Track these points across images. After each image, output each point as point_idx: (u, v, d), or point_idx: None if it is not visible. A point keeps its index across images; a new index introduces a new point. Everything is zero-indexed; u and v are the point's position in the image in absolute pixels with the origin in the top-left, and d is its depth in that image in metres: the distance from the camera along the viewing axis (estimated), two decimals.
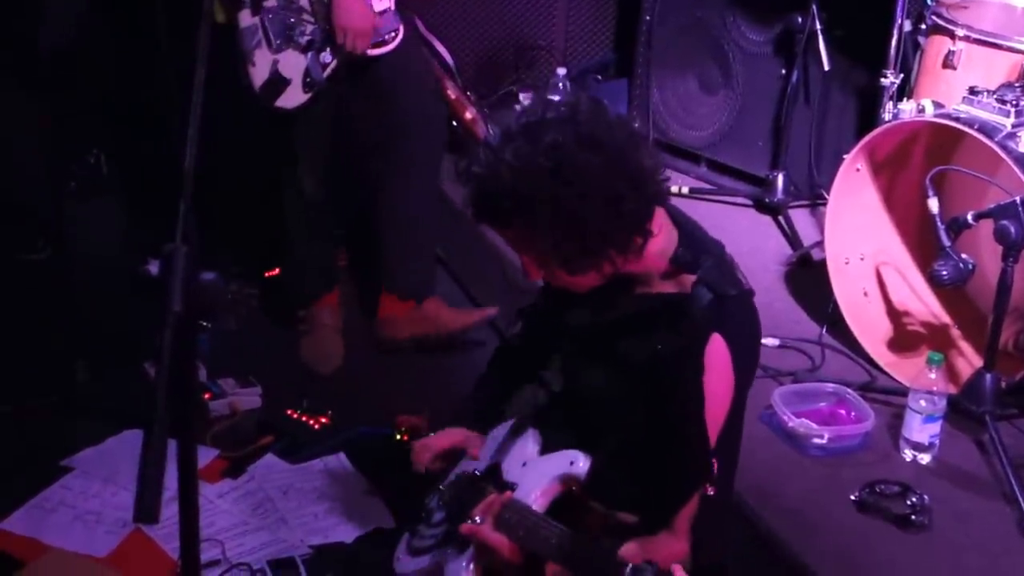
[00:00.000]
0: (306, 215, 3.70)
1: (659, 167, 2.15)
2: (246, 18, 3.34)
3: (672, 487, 2.18)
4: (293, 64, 3.39)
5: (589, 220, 2.04)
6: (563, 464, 2.30)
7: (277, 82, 3.37)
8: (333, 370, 3.66)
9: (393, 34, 3.50)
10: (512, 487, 2.34)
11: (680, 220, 2.26)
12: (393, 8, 3.48)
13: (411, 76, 3.68)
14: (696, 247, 2.22)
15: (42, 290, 3.92)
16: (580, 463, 2.28)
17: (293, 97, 3.41)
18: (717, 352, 2.11)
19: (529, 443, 2.41)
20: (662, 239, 2.18)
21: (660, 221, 2.17)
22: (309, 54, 3.38)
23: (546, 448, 2.38)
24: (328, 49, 3.41)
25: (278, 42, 3.35)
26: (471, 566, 2.22)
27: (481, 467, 2.50)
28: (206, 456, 3.17)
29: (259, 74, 3.37)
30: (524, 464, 2.37)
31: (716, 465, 2.13)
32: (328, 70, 3.43)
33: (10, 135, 4.00)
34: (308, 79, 3.39)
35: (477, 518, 2.25)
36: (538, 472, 2.33)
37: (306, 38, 3.38)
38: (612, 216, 2.05)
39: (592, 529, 2.25)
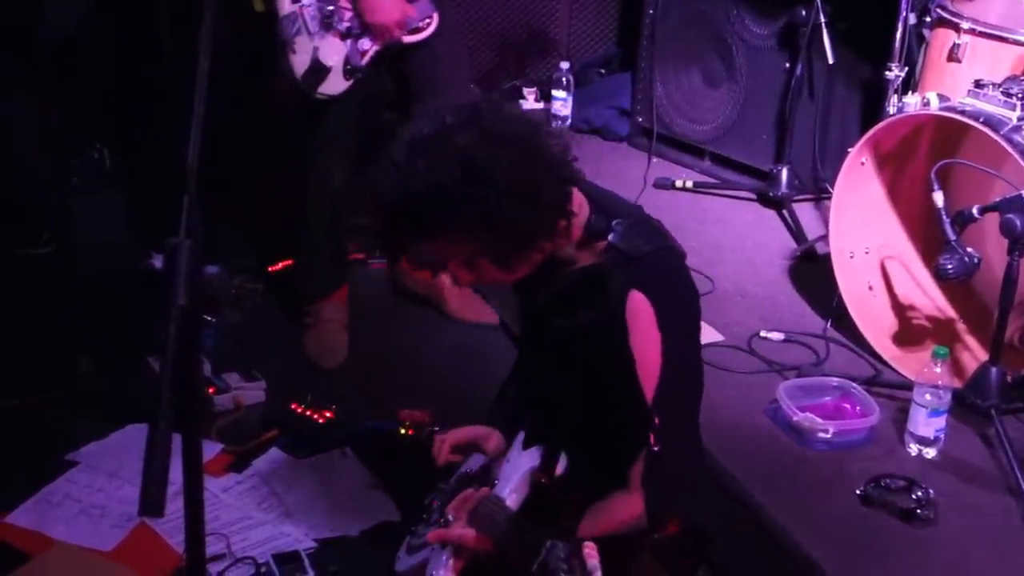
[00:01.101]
0: (331, 207, 3.69)
1: (568, 149, 2.16)
2: (286, 6, 3.34)
3: (615, 449, 2.20)
4: (333, 51, 3.40)
5: (513, 214, 2.04)
6: (532, 459, 2.31)
7: (318, 69, 3.38)
8: (337, 364, 3.66)
9: (428, 20, 3.52)
10: (494, 483, 2.36)
11: (590, 190, 2.25)
12: None
13: (444, 67, 3.67)
14: (609, 213, 2.21)
15: (45, 285, 3.92)
16: (543, 457, 2.30)
17: (335, 84, 3.43)
18: (637, 309, 2.11)
19: (519, 439, 2.42)
20: (580, 214, 2.19)
21: (576, 199, 2.18)
22: (348, 41, 3.40)
23: (527, 443, 2.39)
24: (366, 36, 3.44)
25: (318, 29, 3.36)
26: (450, 561, 2.23)
27: (475, 466, 2.52)
28: (210, 450, 3.16)
29: (300, 62, 3.38)
30: (508, 460, 2.39)
31: (658, 420, 2.10)
32: (367, 57, 3.45)
33: (13, 130, 3.99)
34: (348, 66, 3.41)
35: (450, 516, 2.25)
36: (512, 467, 2.35)
37: (345, 25, 3.39)
38: (534, 206, 2.06)
39: (566, 522, 2.25)
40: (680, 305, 2.20)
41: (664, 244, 2.22)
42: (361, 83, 3.51)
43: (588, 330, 2.20)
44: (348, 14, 3.39)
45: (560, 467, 2.29)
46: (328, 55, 3.39)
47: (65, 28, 3.97)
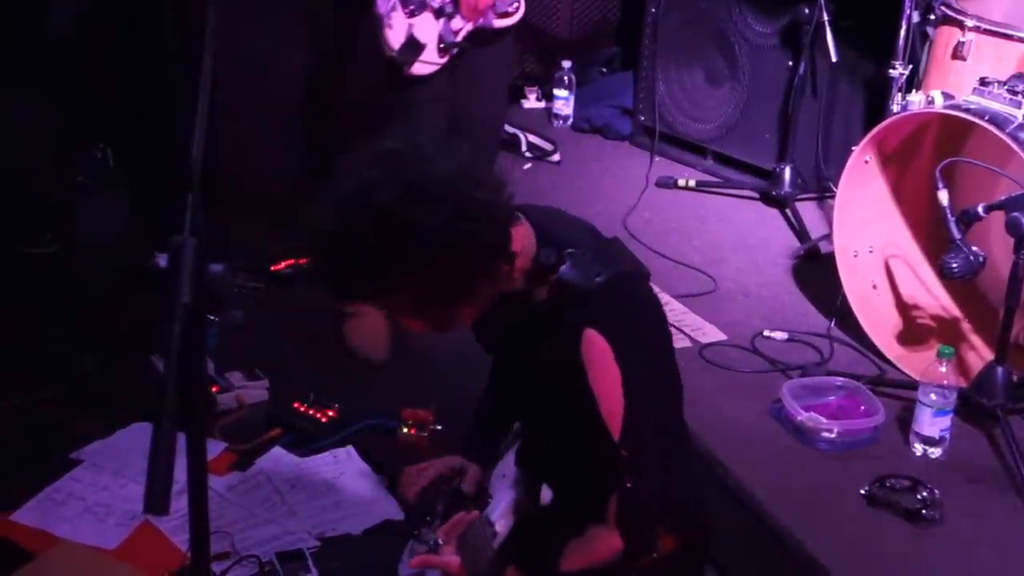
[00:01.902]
0: None
1: (501, 186, 2.05)
2: None
3: (589, 486, 2.15)
4: (427, 28, 3.48)
5: (448, 268, 1.98)
6: (519, 486, 2.31)
7: (414, 45, 3.46)
8: (384, 357, 3.65)
9: (516, 5, 3.61)
10: (488, 500, 2.35)
11: (536, 218, 2.15)
12: None
13: (495, 68, 3.78)
14: (559, 242, 2.12)
15: (50, 283, 3.92)
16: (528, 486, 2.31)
17: (429, 61, 3.50)
18: (594, 348, 2.05)
19: (511, 455, 2.42)
20: (523, 245, 2.10)
21: (518, 236, 2.09)
22: (442, 20, 3.48)
23: (519, 460, 2.39)
24: (459, 15, 3.52)
25: (412, 7, 3.44)
26: None
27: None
28: (214, 449, 3.16)
29: (396, 36, 3.47)
30: (504, 476, 2.38)
31: (626, 455, 2.07)
32: (460, 36, 3.53)
33: (18, 129, 3.99)
34: (442, 44, 3.49)
35: (440, 539, 2.22)
36: (504, 488, 2.35)
37: (438, 3, 3.48)
38: (464, 255, 1.98)
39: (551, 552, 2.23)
40: (638, 334, 2.14)
41: (619, 270, 2.14)
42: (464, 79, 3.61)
43: (546, 370, 2.13)
44: None
45: (544, 496, 2.28)
46: (423, 32, 3.47)
47: (69, 28, 3.98)
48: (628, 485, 2.09)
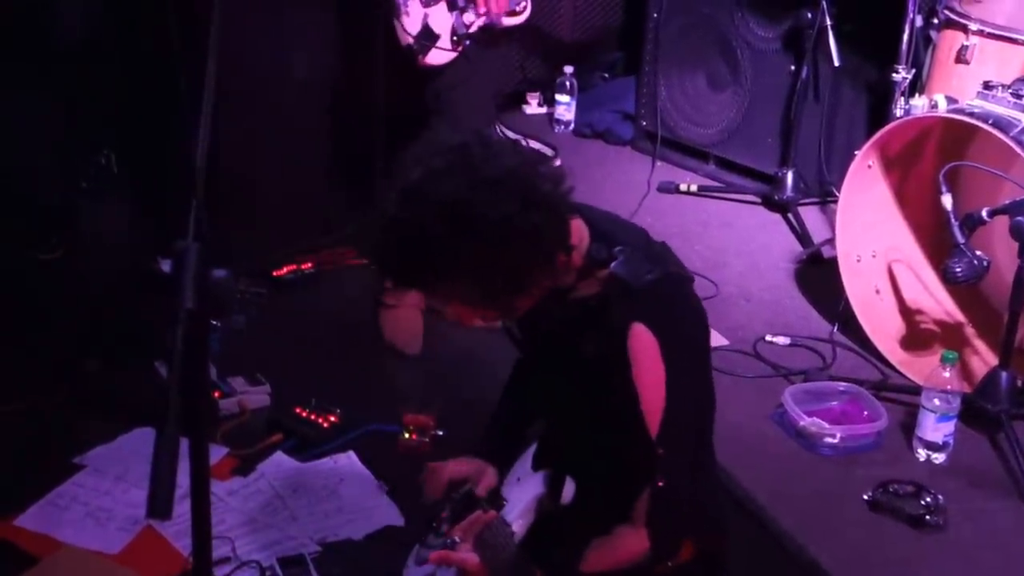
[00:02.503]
0: None
1: (561, 178, 2.09)
2: None
3: (620, 483, 2.16)
4: (441, 20, 3.53)
5: (506, 258, 2.00)
6: (539, 485, 2.30)
7: (429, 34, 3.51)
8: (416, 353, 3.67)
9: (524, 5, 3.64)
10: (503, 503, 2.34)
11: (590, 216, 2.19)
12: None
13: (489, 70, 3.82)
14: (611, 240, 2.15)
15: (53, 288, 3.92)
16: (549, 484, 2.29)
17: (443, 51, 3.55)
18: (640, 342, 2.06)
19: (528, 458, 2.41)
20: (577, 240, 2.13)
21: (575, 229, 2.12)
22: (455, 13, 3.53)
23: (537, 462, 2.38)
24: (471, 9, 3.56)
25: None
26: None
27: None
28: (216, 454, 3.16)
29: (412, 24, 3.52)
30: (519, 480, 2.37)
31: (662, 454, 2.08)
32: (473, 29, 3.57)
33: (23, 134, 3.99)
34: (455, 35, 3.53)
35: (456, 537, 2.22)
36: (521, 490, 2.34)
37: None
38: (528, 247, 2.00)
39: (571, 551, 2.23)
40: (684, 335, 2.16)
41: (668, 271, 2.17)
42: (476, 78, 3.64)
43: (590, 363, 2.15)
44: None
45: (567, 494, 2.27)
46: (437, 23, 3.52)
47: (74, 33, 3.98)
48: (660, 484, 2.09)
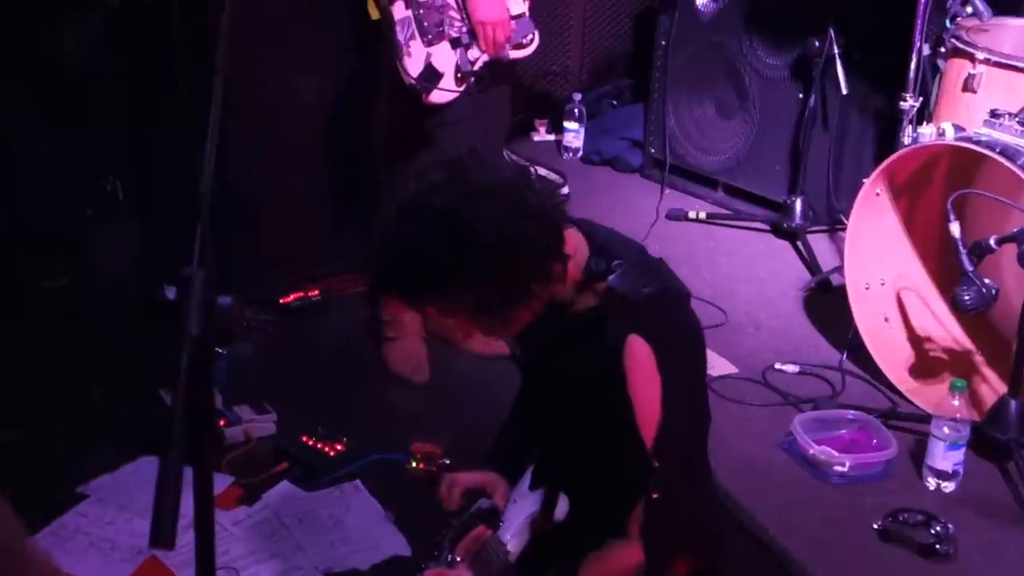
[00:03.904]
0: None
1: (553, 191, 2.16)
2: (400, 10, 3.45)
3: (614, 497, 2.17)
4: (445, 58, 3.51)
5: (502, 266, 2.03)
6: (534, 504, 2.30)
7: (431, 74, 3.49)
8: (424, 379, 3.68)
9: (531, 37, 3.63)
10: (500, 523, 2.34)
11: (589, 230, 2.23)
12: (528, 14, 3.60)
13: (498, 102, 3.79)
14: (609, 254, 2.18)
15: (58, 315, 3.92)
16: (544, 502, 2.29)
17: (448, 88, 3.53)
18: (637, 355, 2.08)
19: (526, 479, 2.41)
20: (575, 252, 2.16)
21: (571, 240, 2.16)
22: (459, 49, 3.51)
23: (534, 482, 2.37)
24: (475, 45, 3.54)
25: (429, 36, 3.47)
26: None
27: (485, 505, 2.49)
28: (221, 483, 3.14)
29: (414, 65, 3.49)
30: (515, 501, 2.37)
31: (658, 466, 2.09)
32: (477, 66, 3.55)
33: (27, 162, 4.00)
34: (459, 73, 3.51)
35: (458, 556, 2.25)
36: (517, 510, 2.34)
37: (455, 33, 3.50)
38: (523, 254, 2.04)
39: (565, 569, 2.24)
40: (681, 349, 2.17)
41: (666, 285, 2.19)
42: (479, 114, 3.62)
43: (586, 375, 2.16)
44: (457, 23, 3.50)
45: (560, 512, 2.27)
46: (440, 61, 3.50)
47: (79, 61, 3.99)
48: (655, 496, 2.10)
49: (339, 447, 3.32)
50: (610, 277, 2.13)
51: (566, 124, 5.34)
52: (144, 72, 4.13)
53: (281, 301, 4.07)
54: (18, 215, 4.03)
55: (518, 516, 2.31)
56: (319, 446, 3.32)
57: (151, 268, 3.98)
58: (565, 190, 5.03)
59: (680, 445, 2.15)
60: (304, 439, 3.34)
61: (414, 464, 3.22)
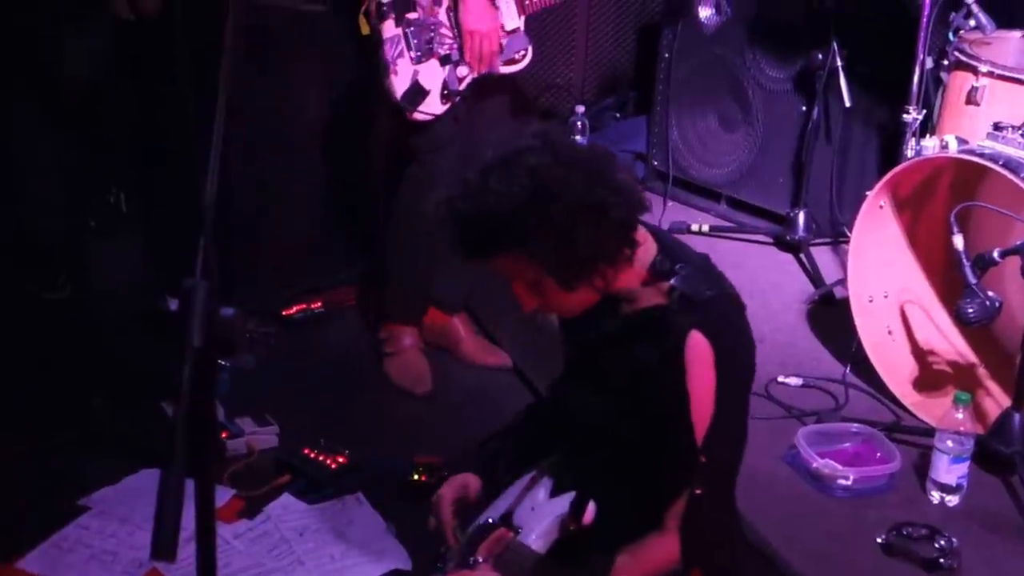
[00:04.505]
0: (428, 237, 3.68)
1: (636, 181, 2.23)
2: (389, 29, 3.50)
3: (658, 486, 2.21)
4: (432, 75, 3.54)
5: (579, 231, 2.09)
6: (561, 506, 2.31)
7: (418, 91, 3.52)
8: (427, 390, 3.67)
9: (523, 52, 3.67)
10: (518, 531, 2.35)
11: (659, 234, 2.30)
12: (523, 30, 3.63)
13: (510, 112, 3.82)
14: (675, 256, 2.25)
15: (61, 327, 3.92)
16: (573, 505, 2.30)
17: (432, 107, 3.56)
18: (697, 349, 2.14)
19: (541, 491, 2.43)
20: (643, 249, 2.23)
21: (642, 234, 2.22)
22: (447, 67, 3.53)
23: (555, 493, 2.38)
24: (464, 63, 3.57)
25: (418, 54, 3.51)
26: None
27: (496, 515, 2.48)
28: (223, 496, 3.14)
29: (400, 83, 3.52)
30: (532, 509, 2.38)
31: (704, 461, 2.13)
32: (464, 83, 3.58)
33: (31, 173, 4.01)
34: (446, 91, 3.54)
35: (479, 558, 2.27)
36: (541, 514, 2.35)
37: (444, 51, 3.54)
38: (600, 225, 2.11)
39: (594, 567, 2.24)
40: (738, 352, 2.24)
41: (726, 292, 2.27)
42: (472, 126, 3.65)
43: (644, 367, 2.21)
44: (448, 40, 3.53)
45: (589, 515, 2.28)
46: (427, 79, 3.52)
47: (84, 73, 4.00)
48: (698, 492, 2.13)
49: (341, 459, 3.32)
50: (674, 278, 2.20)
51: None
52: (148, 85, 4.15)
53: (283, 313, 4.08)
54: (21, 226, 4.04)
55: (542, 520, 2.31)
56: (321, 458, 3.32)
57: (153, 279, 3.99)
58: None
59: (727, 444, 2.21)
60: (306, 451, 3.34)
61: (416, 476, 3.22)
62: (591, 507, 2.28)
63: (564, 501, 2.31)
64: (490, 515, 2.50)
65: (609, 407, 2.32)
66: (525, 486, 2.49)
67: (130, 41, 4.09)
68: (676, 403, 2.14)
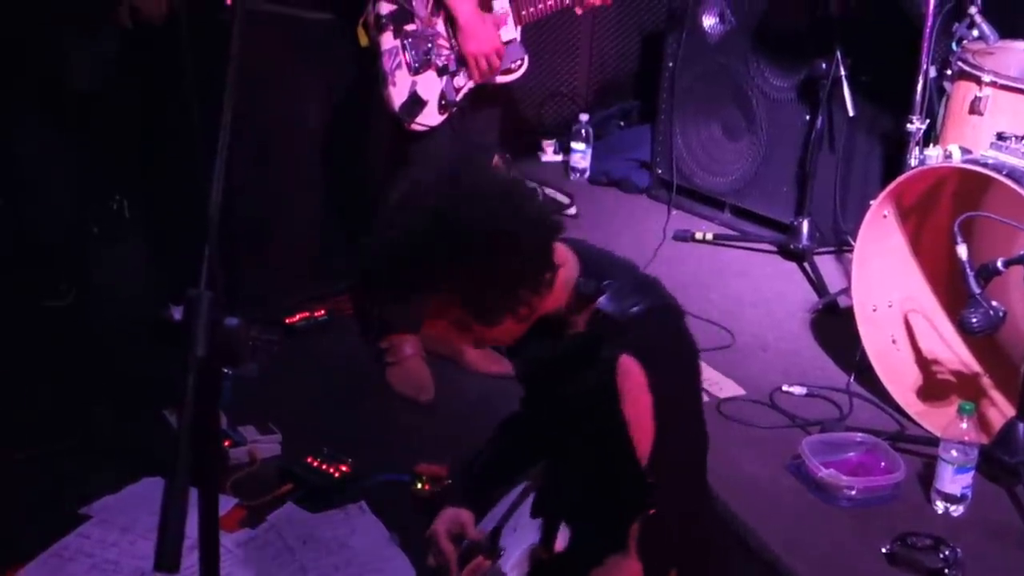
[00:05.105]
0: None
1: (547, 204, 2.16)
2: (388, 40, 3.50)
3: (611, 513, 2.18)
4: (430, 86, 3.54)
5: (492, 265, 2.05)
6: (534, 534, 2.31)
7: (416, 102, 3.52)
8: (430, 398, 3.68)
9: (519, 62, 3.66)
10: (501, 553, 2.35)
11: (581, 250, 2.25)
12: (519, 39, 3.63)
13: (487, 122, 3.82)
14: (599, 274, 2.19)
15: (63, 334, 3.92)
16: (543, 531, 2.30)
17: (429, 118, 3.56)
18: (628, 374, 2.09)
19: (527, 507, 2.41)
20: (565, 270, 2.18)
21: (561, 252, 2.18)
22: (445, 77, 3.54)
23: (535, 511, 2.37)
24: (462, 72, 3.57)
25: (416, 65, 3.51)
26: None
27: (487, 528, 2.49)
28: (225, 504, 3.13)
29: (398, 94, 3.53)
30: (515, 530, 2.36)
31: (653, 482, 2.10)
32: (461, 93, 3.58)
33: (36, 179, 4.01)
34: (443, 101, 3.54)
35: None
36: (521, 537, 2.34)
37: (442, 61, 3.54)
38: (513, 254, 2.06)
39: None
40: (673, 366, 2.18)
41: (656, 304, 2.19)
42: (466, 134, 3.65)
43: (583, 397, 2.17)
44: (445, 51, 3.53)
45: (560, 541, 2.27)
46: (425, 89, 3.53)
47: (87, 79, 4.00)
48: (652, 512, 2.11)
49: (344, 468, 3.31)
50: (600, 298, 2.15)
51: (573, 145, 5.34)
52: (152, 92, 4.15)
53: (286, 321, 4.07)
54: (24, 232, 4.04)
55: (519, 545, 2.31)
56: (324, 467, 3.31)
57: (157, 287, 3.98)
58: (572, 211, 5.03)
59: (675, 461, 2.16)
60: (309, 460, 3.33)
61: (420, 485, 3.22)
62: (564, 533, 2.27)
63: (536, 527, 2.31)
64: (485, 526, 2.50)
65: (560, 433, 2.31)
66: (514, 501, 2.49)
67: (134, 48, 4.09)
68: (615, 430, 2.10)
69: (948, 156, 3.41)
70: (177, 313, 1.47)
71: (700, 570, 2.33)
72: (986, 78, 3.57)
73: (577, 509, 2.29)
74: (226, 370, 3.43)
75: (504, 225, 2.03)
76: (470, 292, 2.07)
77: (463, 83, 3.57)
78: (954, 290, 3.51)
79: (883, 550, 2.96)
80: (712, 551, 2.41)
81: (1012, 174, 3.18)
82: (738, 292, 4.40)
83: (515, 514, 2.45)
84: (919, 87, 3.92)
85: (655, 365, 2.09)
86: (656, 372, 2.09)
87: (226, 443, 3.33)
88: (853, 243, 3.71)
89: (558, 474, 2.37)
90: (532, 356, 2.28)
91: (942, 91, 3.96)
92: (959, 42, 3.78)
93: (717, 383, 3.73)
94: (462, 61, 3.54)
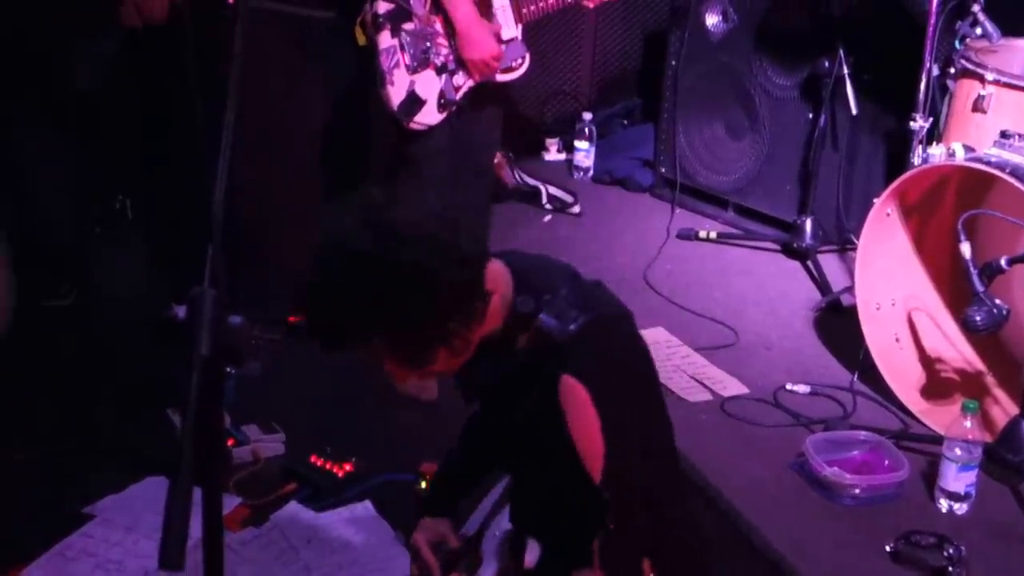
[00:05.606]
0: None
1: (474, 227, 2.07)
2: (386, 39, 3.51)
3: (571, 532, 2.17)
4: (429, 85, 3.55)
5: (417, 310, 1.98)
6: (504, 554, 2.31)
7: (414, 101, 3.53)
8: (433, 397, 3.67)
9: (520, 60, 3.66)
10: (481, 559, 2.35)
11: (516, 265, 2.17)
12: (520, 37, 3.63)
13: (489, 121, 3.81)
14: (538, 287, 2.13)
15: (66, 334, 3.92)
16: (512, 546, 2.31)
17: (429, 117, 3.56)
18: (571, 394, 2.04)
19: (506, 513, 2.42)
20: (500, 293, 2.11)
21: (492, 275, 2.10)
22: (443, 76, 3.54)
23: (512, 518, 2.38)
24: (461, 71, 3.57)
25: (415, 64, 3.52)
26: None
27: (471, 530, 2.49)
28: (229, 504, 3.13)
29: (396, 93, 3.53)
30: (495, 536, 2.37)
31: (609, 498, 2.07)
32: (461, 92, 3.58)
33: (36, 179, 4.01)
34: (442, 100, 3.54)
35: None
36: (495, 551, 2.35)
37: (440, 60, 3.54)
38: (438, 295, 1.98)
39: None
40: (621, 374, 2.14)
41: (599, 313, 2.13)
42: (467, 132, 3.65)
43: (530, 418, 2.13)
44: (444, 50, 3.54)
45: (530, 557, 2.27)
46: (424, 88, 3.53)
47: (90, 79, 4.00)
48: (611, 527, 2.08)
49: (348, 467, 3.31)
50: (540, 315, 2.09)
51: (576, 144, 5.34)
52: (155, 92, 4.15)
53: (290, 320, 4.07)
54: (26, 232, 4.04)
55: (493, 562, 2.31)
56: (328, 466, 3.31)
57: (159, 287, 3.98)
58: (576, 209, 5.03)
59: (630, 474, 2.11)
60: (313, 459, 3.34)
61: (423, 484, 3.22)
62: (533, 549, 2.26)
63: (509, 542, 2.31)
64: (468, 528, 2.50)
65: (516, 448, 2.28)
66: (496, 500, 2.49)
67: (137, 48, 4.09)
68: (564, 450, 2.07)
69: (951, 154, 3.41)
70: (181, 312, 1.47)
71: (677, 571, 2.31)
72: (989, 76, 3.56)
73: (542, 525, 2.28)
74: (229, 369, 3.43)
75: (426, 267, 1.96)
76: (401, 332, 2.02)
77: (462, 82, 3.57)
78: (957, 288, 3.51)
79: (887, 548, 2.96)
80: (690, 550, 2.39)
81: (1015, 172, 3.18)
82: (742, 291, 4.40)
83: (496, 518, 2.45)
84: (922, 85, 3.91)
85: (600, 379, 2.04)
86: (601, 386, 2.04)
87: (230, 442, 3.34)
88: (856, 241, 3.71)
89: (520, 491, 2.37)
90: (479, 380, 2.23)
91: (945, 89, 3.96)
92: (962, 40, 3.77)
93: (721, 381, 3.73)
94: (461, 61, 3.54)
